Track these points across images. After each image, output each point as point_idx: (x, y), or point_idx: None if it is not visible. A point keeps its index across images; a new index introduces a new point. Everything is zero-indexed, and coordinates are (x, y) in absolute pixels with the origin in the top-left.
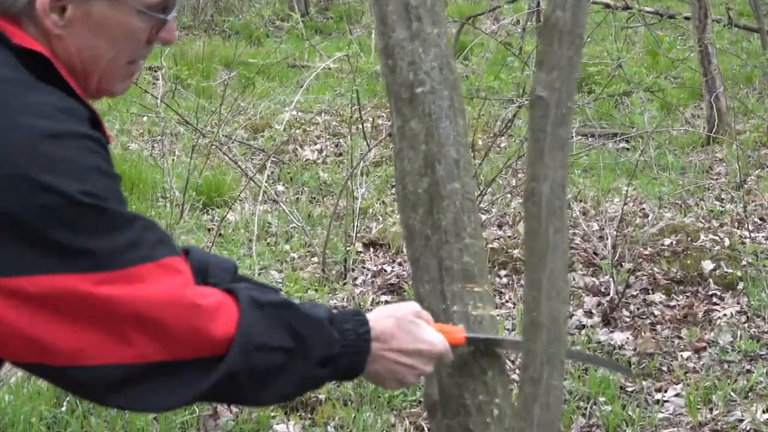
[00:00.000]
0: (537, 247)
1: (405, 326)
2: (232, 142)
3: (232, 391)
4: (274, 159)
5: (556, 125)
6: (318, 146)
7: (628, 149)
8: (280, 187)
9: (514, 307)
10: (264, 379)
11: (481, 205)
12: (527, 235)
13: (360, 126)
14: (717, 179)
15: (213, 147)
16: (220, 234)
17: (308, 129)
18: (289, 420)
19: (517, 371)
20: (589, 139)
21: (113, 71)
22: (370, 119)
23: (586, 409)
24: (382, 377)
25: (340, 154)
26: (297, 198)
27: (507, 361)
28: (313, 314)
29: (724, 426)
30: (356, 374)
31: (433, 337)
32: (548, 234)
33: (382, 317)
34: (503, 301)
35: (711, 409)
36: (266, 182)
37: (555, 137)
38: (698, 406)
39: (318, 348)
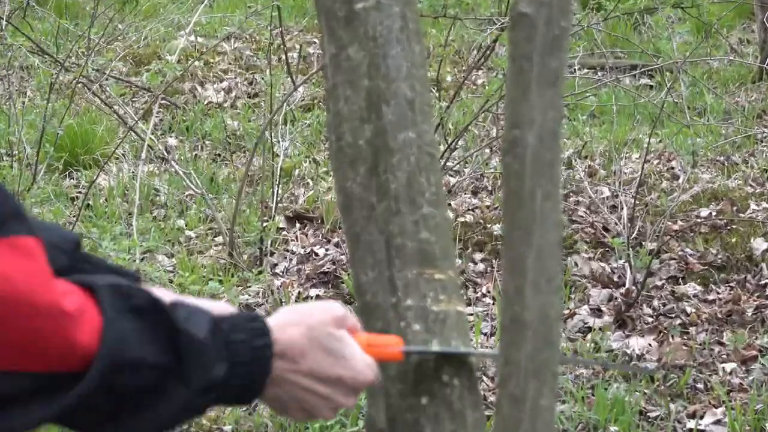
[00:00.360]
0: (520, 217)
1: (321, 341)
2: (106, 80)
3: (86, 420)
4: (163, 102)
5: (546, 52)
6: (225, 84)
7: (651, 87)
8: (171, 141)
9: (493, 303)
10: (130, 406)
11: (449, 163)
12: (507, 201)
13: (283, 56)
14: None
15: (79, 85)
16: (88, 205)
17: (211, 61)
18: None
19: (494, 388)
20: (599, 74)
21: None
22: (297, 47)
23: None
24: (285, 405)
25: (256, 95)
26: (195, 155)
27: (480, 374)
28: (191, 328)
29: None
30: (251, 399)
31: (360, 359)
32: (535, 200)
33: (290, 325)
34: (478, 294)
35: None
36: (152, 134)
37: (544, 68)
38: None
39: (197, 373)
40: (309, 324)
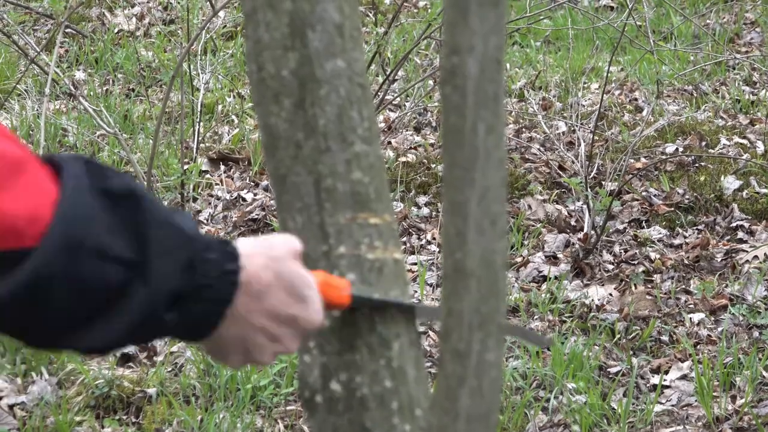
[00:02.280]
0: (460, 155)
1: (285, 277)
2: (3, 5)
3: (33, 316)
4: (69, 30)
5: None
6: (137, 10)
7: (612, 8)
8: (79, 74)
9: (439, 251)
10: (89, 304)
11: (388, 96)
12: (446, 137)
13: None
14: (747, 52)
15: None
16: None
17: None
18: (103, 426)
19: (436, 343)
20: None
21: None
22: None
23: (548, 401)
24: (226, 346)
25: (172, 22)
26: (106, 90)
27: (421, 328)
28: (175, 221)
29: (752, 421)
30: (203, 333)
31: (316, 301)
32: (477, 135)
33: (255, 255)
34: (423, 241)
35: (733, 398)
36: (58, 67)
37: None
38: (714, 393)
39: (172, 273)
40: (273, 256)
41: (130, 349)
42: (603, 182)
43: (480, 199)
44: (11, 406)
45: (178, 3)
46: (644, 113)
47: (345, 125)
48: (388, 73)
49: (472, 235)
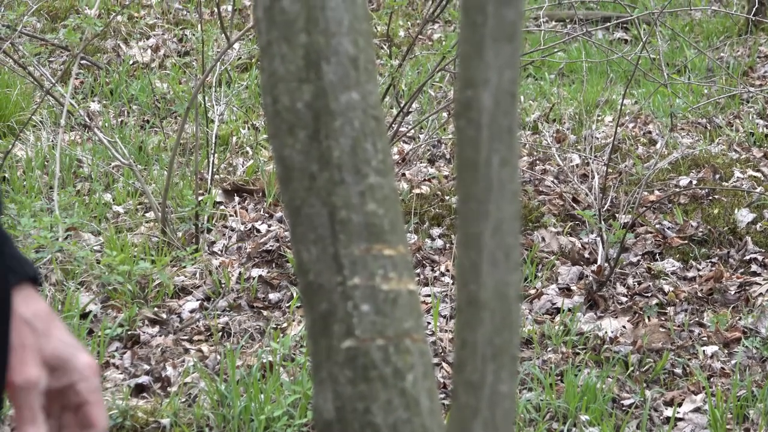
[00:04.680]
0: (475, 187)
1: None
2: (19, 37)
3: None
4: (84, 62)
5: (502, 2)
6: (152, 42)
7: (626, 41)
8: (94, 106)
9: (453, 282)
10: None
11: (402, 128)
12: (460, 169)
13: (215, 9)
14: (761, 85)
15: None
16: (5, 178)
17: (136, 15)
18: None
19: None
20: (568, 26)
21: None
22: None
23: None
24: None
25: (187, 54)
26: (121, 122)
27: (438, 360)
28: None
29: None
30: None
31: None
32: (491, 168)
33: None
34: (436, 273)
35: (747, 430)
36: (73, 98)
37: (500, 21)
38: (728, 426)
39: None
40: None
41: (144, 380)
42: (617, 215)
43: (494, 232)
44: None
45: (194, 35)
46: (658, 146)
47: (359, 157)
48: (402, 105)
49: (486, 267)
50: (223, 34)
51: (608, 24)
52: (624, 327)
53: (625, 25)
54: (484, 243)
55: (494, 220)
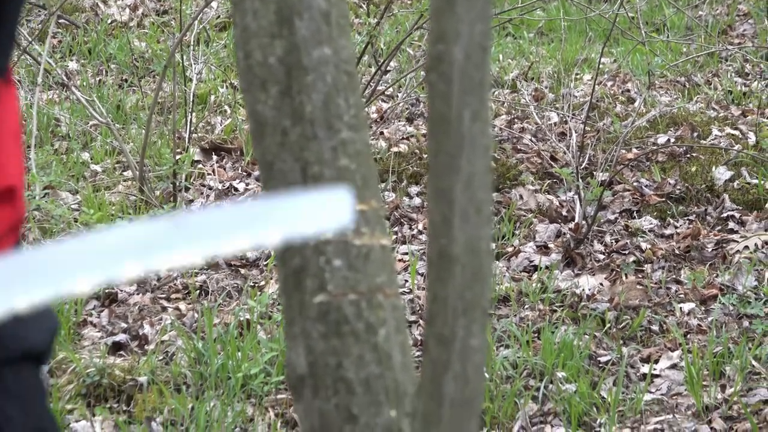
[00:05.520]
0: (446, 141)
1: None
2: None
3: None
4: (61, 20)
5: None
6: (130, 0)
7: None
8: (72, 65)
9: None
10: None
11: (380, 86)
12: (432, 124)
13: None
14: (740, 44)
15: None
16: None
17: None
18: (94, 414)
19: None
20: None
21: None
22: None
23: (538, 389)
24: None
25: (165, 12)
26: (99, 81)
27: (413, 316)
28: None
29: (742, 410)
30: None
31: None
32: (462, 122)
33: None
34: (414, 231)
35: (723, 387)
36: (51, 57)
37: None
38: (704, 382)
39: None
40: None
41: (121, 338)
42: (594, 173)
43: (465, 186)
44: None
45: None
46: (636, 104)
47: (331, 112)
48: (380, 63)
49: (458, 221)
50: None
51: None
52: (601, 284)
53: None
54: (456, 197)
55: (465, 174)
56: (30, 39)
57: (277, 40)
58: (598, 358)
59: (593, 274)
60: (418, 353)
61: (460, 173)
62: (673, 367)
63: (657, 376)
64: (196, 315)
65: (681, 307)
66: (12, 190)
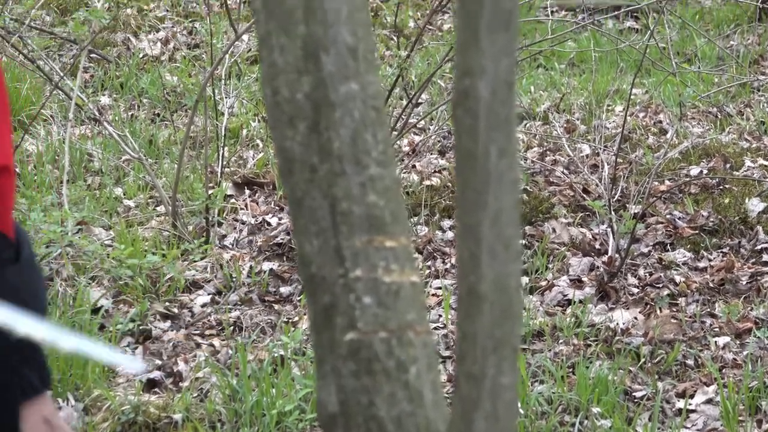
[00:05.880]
0: (473, 178)
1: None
2: (29, 31)
3: None
4: (94, 56)
5: None
6: (162, 34)
7: (637, 30)
8: (105, 99)
9: None
10: None
11: (412, 119)
12: (459, 160)
13: (222, 1)
14: None
15: None
16: (16, 172)
17: (145, 8)
18: None
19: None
20: (579, 16)
21: None
22: None
23: (573, 425)
24: None
25: (197, 46)
26: (132, 115)
27: (447, 351)
28: None
29: None
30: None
31: None
32: (489, 158)
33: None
34: (447, 265)
35: (759, 422)
36: (83, 92)
37: (496, 9)
38: (740, 417)
39: None
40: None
41: (156, 375)
42: (627, 205)
43: (493, 222)
44: None
45: (203, 27)
46: (668, 135)
47: (359, 148)
48: (411, 96)
49: (486, 258)
50: (231, 26)
51: (617, 13)
52: (635, 318)
53: (635, 14)
54: (483, 234)
55: (493, 210)
56: (62, 74)
57: (304, 76)
58: (633, 393)
59: (627, 308)
60: (452, 389)
61: (488, 209)
62: (709, 402)
63: (692, 411)
64: (230, 351)
65: (716, 341)
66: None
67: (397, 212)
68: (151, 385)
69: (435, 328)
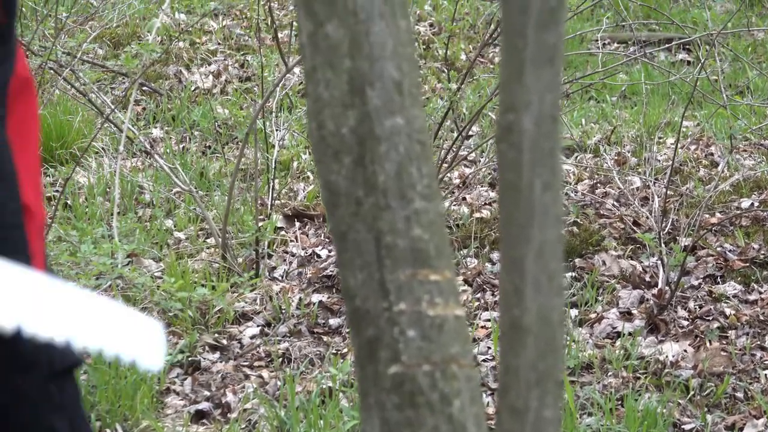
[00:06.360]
0: (517, 212)
1: None
2: (81, 64)
3: None
4: (146, 88)
5: (541, 26)
6: (213, 67)
7: (689, 62)
8: (156, 132)
9: None
10: None
11: (462, 151)
12: (503, 193)
13: (273, 33)
14: None
15: (49, 72)
16: (67, 204)
17: (198, 41)
18: None
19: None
20: (631, 48)
21: None
22: (291, 23)
23: None
24: None
25: (248, 79)
26: (184, 148)
27: (495, 384)
28: None
29: None
30: None
31: None
32: (533, 191)
33: None
34: (496, 298)
35: None
36: (134, 125)
37: (540, 45)
38: None
39: None
40: None
41: (204, 406)
42: (677, 237)
43: (537, 256)
44: None
45: (254, 60)
46: (719, 168)
47: (404, 182)
48: (461, 128)
49: (529, 291)
50: (281, 59)
51: (669, 45)
52: (685, 351)
53: (687, 47)
54: (527, 267)
55: (537, 244)
56: (113, 107)
57: (349, 110)
58: (683, 426)
59: (677, 341)
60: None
61: (532, 243)
62: None
63: None
64: (278, 383)
65: (766, 374)
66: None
67: (441, 246)
68: (199, 416)
69: (484, 361)
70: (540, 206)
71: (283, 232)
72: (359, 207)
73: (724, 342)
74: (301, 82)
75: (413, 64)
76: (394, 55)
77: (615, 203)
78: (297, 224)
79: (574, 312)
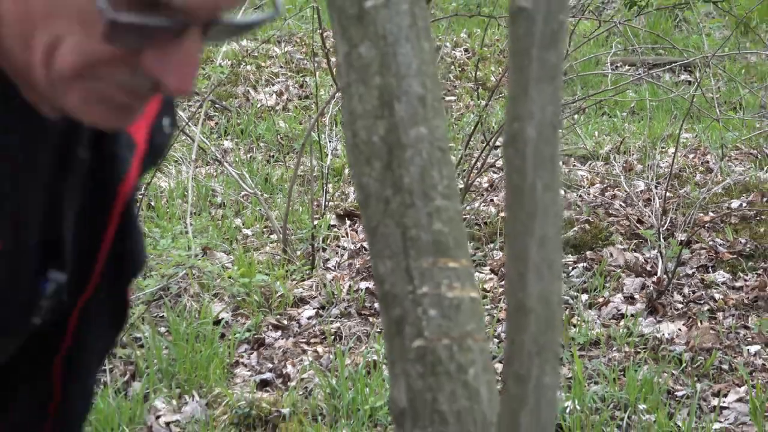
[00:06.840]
0: (521, 210)
1: None
2: None
3: None
4: (218, 106)
5: (544, 47)
6: (276, 87)
7: (690, 82)
8: (227, 143)
9: None
10: None
11: (490, 159)
12: (509, 194)
13: (326, 57)
14: None
15: None
16: (150, 205)
17: (263, 64)
18: None
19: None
20: (639, 70)
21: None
22: None
23: (622, 419)
24: None
25: (307, 97)
26: (251, 157)
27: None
28: None
29: None
30: None
31: None
32: (535, 192)
33: None
34: None
35: None
36: (208, 137)
37: (542, 64)
38: (766, 413)
39: None
40: None
41: (268, 376)
42: (675, 233)
43: (539, 247)
44: (168, 424)
45: (312, 81)
46: (713, 173)
47: (427, 183)
48: (488, 139)
49: (532, 277)
50: (332, 79)
51: (672, 66)
52: (679, 330)
53: (688, 68)
54: (530, 256)
55: (539, 236)
56: (187, 121)
57: (379, 121)
58: (675, 393)
59: (672, 321)
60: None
61: (534, 236)
62: (740, 400)
63: (725, 408)
64: (331, 357)
65: (748, 349)
66: None
67: (459, 238)
68: (263, 384)
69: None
70: (541, 205)
71: (335, 229)
72: (388, 205)
73: (713, 322)
74: None
75: (435, 81)
76: (418, 72)
77: (622, 204)
78: (347, 222)
79: (584, 296)
